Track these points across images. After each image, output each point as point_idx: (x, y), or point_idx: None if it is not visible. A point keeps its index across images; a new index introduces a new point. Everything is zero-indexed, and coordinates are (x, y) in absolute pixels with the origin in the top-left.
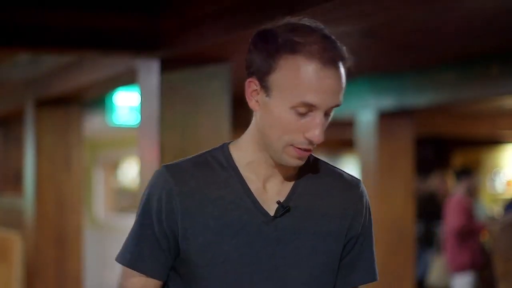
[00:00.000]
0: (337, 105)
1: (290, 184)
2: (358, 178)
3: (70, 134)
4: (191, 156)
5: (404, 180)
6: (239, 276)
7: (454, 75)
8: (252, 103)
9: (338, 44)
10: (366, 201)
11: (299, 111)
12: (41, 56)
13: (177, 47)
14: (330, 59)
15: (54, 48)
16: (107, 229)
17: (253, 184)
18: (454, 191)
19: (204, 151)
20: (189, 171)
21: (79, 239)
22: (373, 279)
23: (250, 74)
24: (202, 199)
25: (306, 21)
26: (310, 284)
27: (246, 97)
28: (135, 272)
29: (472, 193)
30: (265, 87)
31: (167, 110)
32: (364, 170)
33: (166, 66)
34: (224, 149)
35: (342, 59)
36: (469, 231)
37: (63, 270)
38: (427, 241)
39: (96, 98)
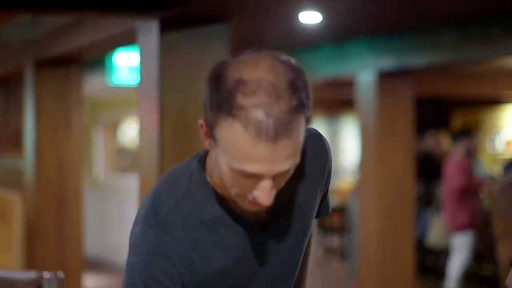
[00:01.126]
0: (287, 171)
1: None
2: (314, 128)
3: (70, 94)
4: (171, 199)
5: (404, 140)
6: None
7: (454, 35)
8: (206, 144)
9: (293, 100)
10: (329, 149)
11: (241, 174)
12: (40, 17)
13: (176, 7)
14: (269, 130)
15: (53, 9)
16: (107, 189)
17: (239, 208)
18: (453, 151)
19: (181, 181)
20: (179, 223)
21: (79, 200)
22: (328, 212)
23: (203, 113)
24: (202, 250)
25: (268, 59)
26: (303, 251)
27: (201, 136)
28: None
29: (471, 154)
30: (213, 137)
31: (166, 71)
32: (363, 131)
33: (166, 27)
34: (201, 176)
35: (288, 126)
36: (469, 191)
37: (63, 230)
38: (426, 201)
39: (96, 59)
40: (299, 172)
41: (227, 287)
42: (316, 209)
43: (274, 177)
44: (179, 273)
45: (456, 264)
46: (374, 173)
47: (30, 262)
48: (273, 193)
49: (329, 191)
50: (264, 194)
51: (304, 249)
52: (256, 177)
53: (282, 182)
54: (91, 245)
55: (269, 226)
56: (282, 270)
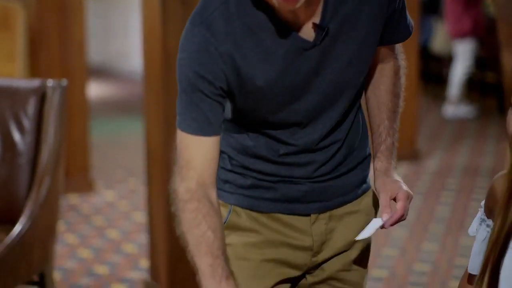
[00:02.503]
0: None
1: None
2: None
3: None
4: (218, 1)
5: None
6: (298, 102)
7: None
8: None
9: None
10: None
11: None
12: None
13: None
14: None
15: None
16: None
17: (284, 14)
18: None
19: None
20: (222, 22)
21: (82, 7)
22: (410, 33)
23: None
24: (243, 51)
25: None
26: (362, 73)
27: None
28: (203, 137)
29: None
30: None
31: None
32: None
33: None
34: None
35: None
36: None
37: (67, 38)
38: (430, 8)
39: None
40: None
41: (274, 97)
42: (376, 31)
43: None
44: (222, 70)
45: (459, 70)
46: None
47: (34, 71)
48: None
49: (405, 10)
50: None
51: (364, 73)
52: None
53: None
54: (95, 53)
55: (316, 40)
56: (334, 87)
